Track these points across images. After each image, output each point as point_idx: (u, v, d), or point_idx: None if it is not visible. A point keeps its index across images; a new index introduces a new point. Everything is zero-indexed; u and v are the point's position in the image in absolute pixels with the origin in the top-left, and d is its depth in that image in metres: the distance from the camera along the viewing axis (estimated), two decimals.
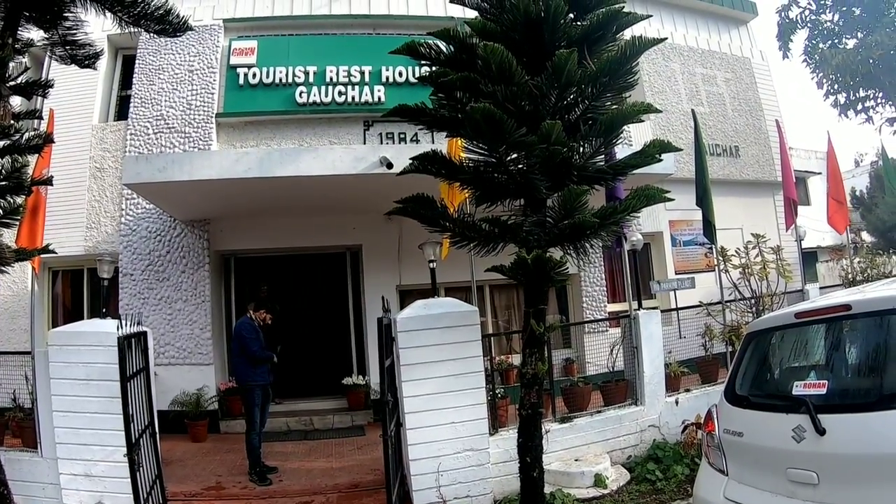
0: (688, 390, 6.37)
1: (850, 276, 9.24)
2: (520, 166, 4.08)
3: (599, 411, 5.81)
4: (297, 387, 8.41)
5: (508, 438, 4.90)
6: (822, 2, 14.79)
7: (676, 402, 6.11)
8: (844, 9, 14.43)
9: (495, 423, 5.20)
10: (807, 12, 14.93)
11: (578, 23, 4.19)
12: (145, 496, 4.23)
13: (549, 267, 3.84)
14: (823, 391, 2.69)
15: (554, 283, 4.16)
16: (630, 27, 4.28)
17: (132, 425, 4.21)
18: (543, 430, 4.25)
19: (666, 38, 4.77)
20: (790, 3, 14.93)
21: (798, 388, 2.78)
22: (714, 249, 7.82)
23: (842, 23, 14.65)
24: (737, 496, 2.91)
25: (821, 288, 8.24)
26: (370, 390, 7.93)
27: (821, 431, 2.54)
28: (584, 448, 5.51)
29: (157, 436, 4.78)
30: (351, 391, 8.09)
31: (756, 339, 3.30)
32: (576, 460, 5.36)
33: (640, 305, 6.53)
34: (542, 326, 4.11)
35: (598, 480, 5.09)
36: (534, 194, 4.08)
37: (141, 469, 4.22)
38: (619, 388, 6.08)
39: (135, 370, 4.44)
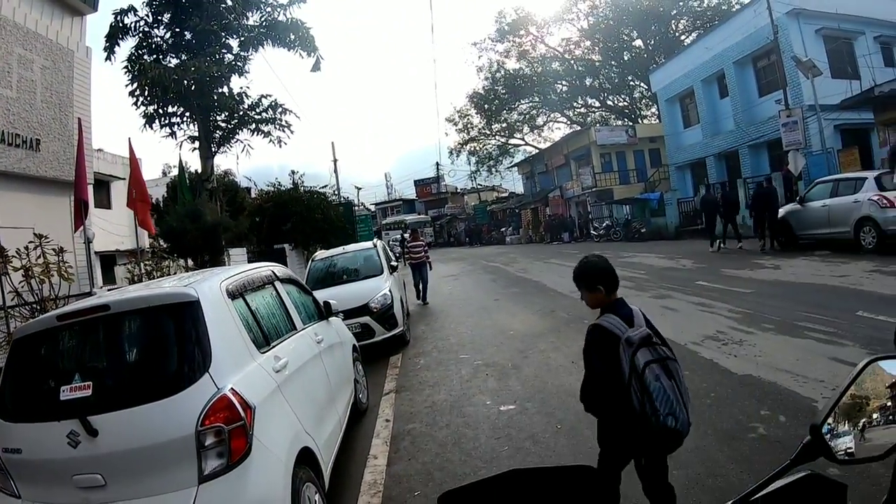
0: None
1: (135, 277, 10.05)
2: None
3: None
4: None
5: None
6: (159, 17, 15.54)
7: None
8: (178, 30, 15.43)
9: None
10: (142, 23, 15.41)
11: None
12: None
13: None
14: (89, 392, 2.67)
15: None
16: None
17: None
18: None
19: None
20: (129, 8, 15.17)
21: (66, 393, 2.71)
22: None
23: (171, 42, 15.63)
24: None
25: (109, 289, 9.23)
26: None
27: (93, 433, 2.54)
28: None
29: None
30: None
31: (23, 345, 3.07)
32: None
33: None
34: None
35: None
36: None
37: None
38: None
39: None
